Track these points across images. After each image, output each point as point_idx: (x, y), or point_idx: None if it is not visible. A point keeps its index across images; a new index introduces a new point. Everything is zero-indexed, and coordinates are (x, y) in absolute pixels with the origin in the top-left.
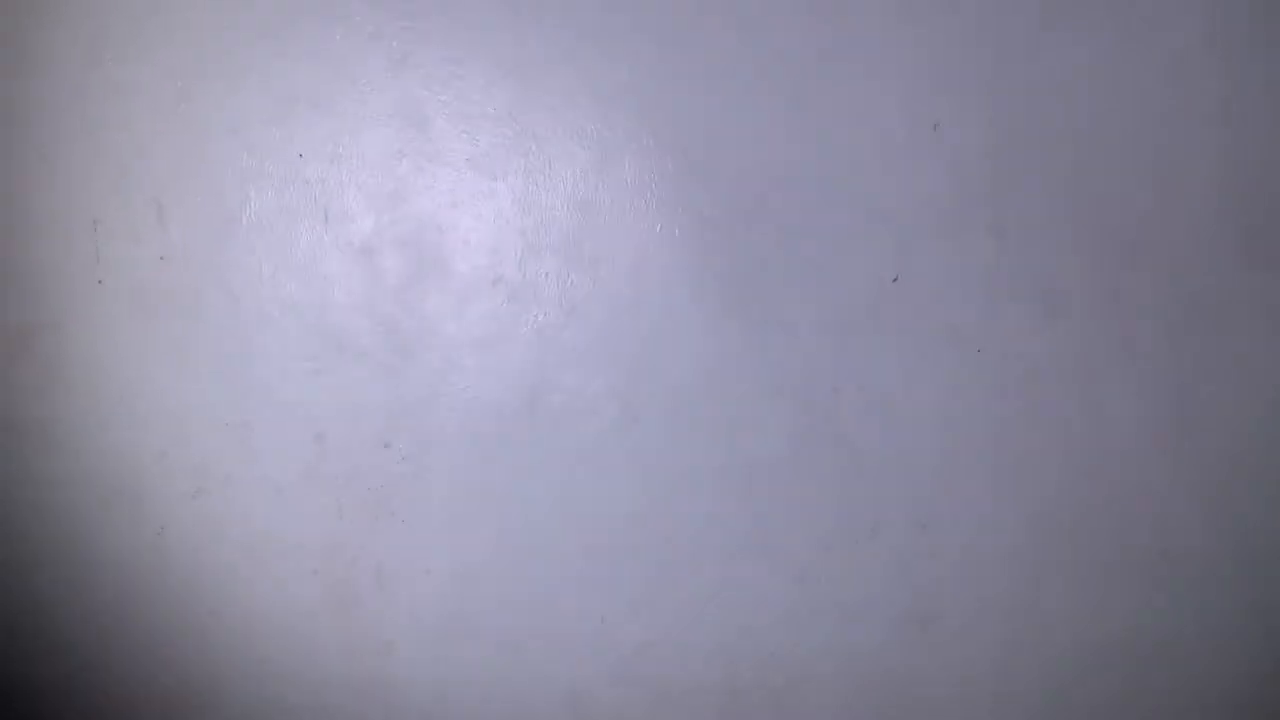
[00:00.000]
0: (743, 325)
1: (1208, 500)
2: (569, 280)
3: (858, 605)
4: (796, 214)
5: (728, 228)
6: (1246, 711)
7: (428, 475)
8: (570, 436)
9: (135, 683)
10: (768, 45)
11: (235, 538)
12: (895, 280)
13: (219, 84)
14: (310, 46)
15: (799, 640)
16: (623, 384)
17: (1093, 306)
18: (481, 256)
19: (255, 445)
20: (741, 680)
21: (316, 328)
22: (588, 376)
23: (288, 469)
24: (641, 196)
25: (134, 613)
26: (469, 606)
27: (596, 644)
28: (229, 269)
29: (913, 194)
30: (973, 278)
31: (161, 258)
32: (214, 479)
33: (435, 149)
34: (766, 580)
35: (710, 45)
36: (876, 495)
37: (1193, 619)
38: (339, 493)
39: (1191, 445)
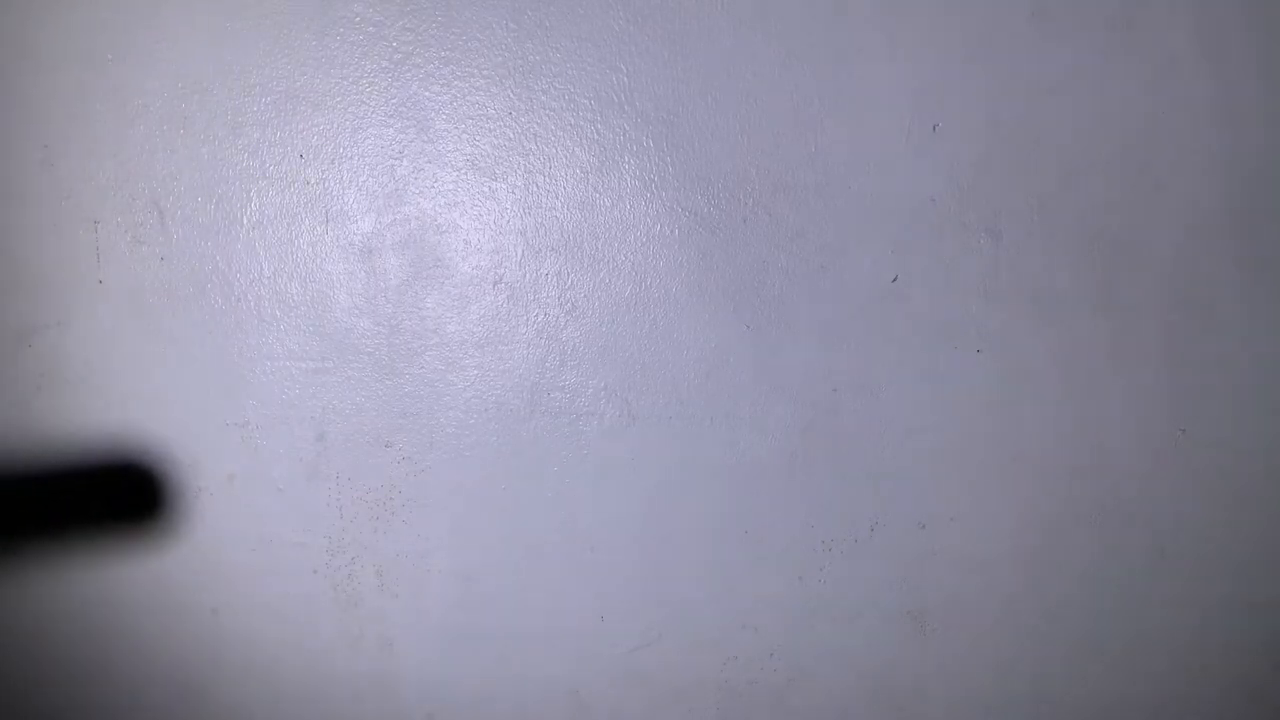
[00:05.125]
0: (742, 325)
1: (1204, 499)
2: (569, 280)
3: (857, 604)
4: (796, 214)
5: (727, 228)
6: (1245, 710)
7: (428, 475)
8: (570, 436)
9: (135, 683)
10: (767, 46)
11: (236, 537)
12: (895, 280)
13: (220, 84)
14: (311, 47)
15: (798, 639)
16: (623, 384)
17: (1090, 306)
18: (482, 257)
19: (256, 445)
20: (741, 679)
21: (317, 328)
22: (587, 376)
23: (289, 469)
24: (641, 197)
25: (134, 612)
26: (469, 606)
27: (596, 643)
28: (230, 269)
29: (912, 194)
30: (972, 278)
31: (162, 258)
32: (215, 479)
33: (436, 150)
34: (766, 579)
35: (710, 47)
36: (875, 495)
37: (1190, 617)
38: (339, 493)
39: (1188, 444)
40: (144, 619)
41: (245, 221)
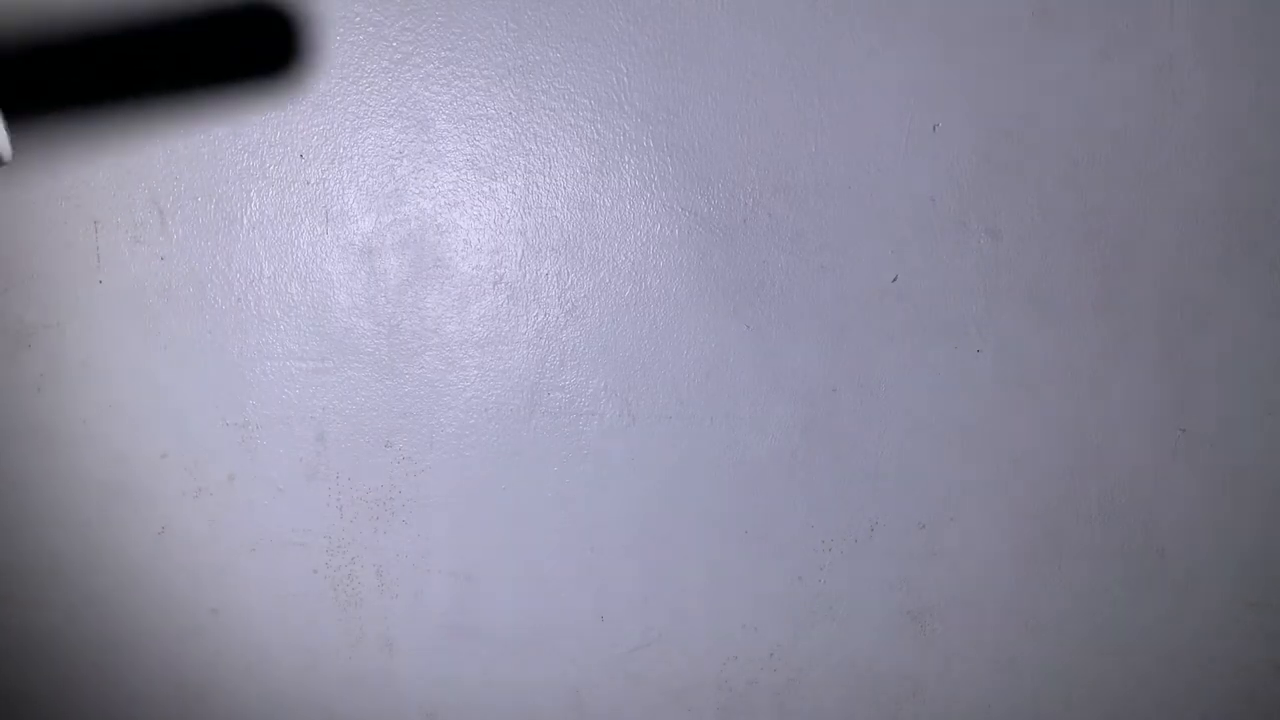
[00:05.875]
0: (742, 325)
1: (1204, 498)
2: (569, 280)
3: (856, 603)
4: (796, 215)
5: (727, 228)
6: (1244, 710)
7: (428, 475)
8: (570, 436)
9: (135, 683)
10: (767, 46)
11: (236, 537)
12: (895, 280)
13: (220, 85)
14: (310, 47)
15: (798, 638)
16: (623, 384)
17: (1089, 306)
18: (482, 257)
19: (256, 445)
20: (741, 679)
21: (318, 328)
22: (588, 376)
23: (288, 469)
24: (641, 197)
25: (134, 613)
26: (469, 606)
27: (596, 643)
28: (230, 269)
29: (912, 194)
30: (971, 278)
31: (162, 258)
32: (215, 479)
33: (436, 150)
34: (766, 579)
35: (710, 47)
36: (875, 494)
37: (1190, 617)
38: (339, 493)
39: (1188, 444)
40: (143, 619)
41: (245, 221)
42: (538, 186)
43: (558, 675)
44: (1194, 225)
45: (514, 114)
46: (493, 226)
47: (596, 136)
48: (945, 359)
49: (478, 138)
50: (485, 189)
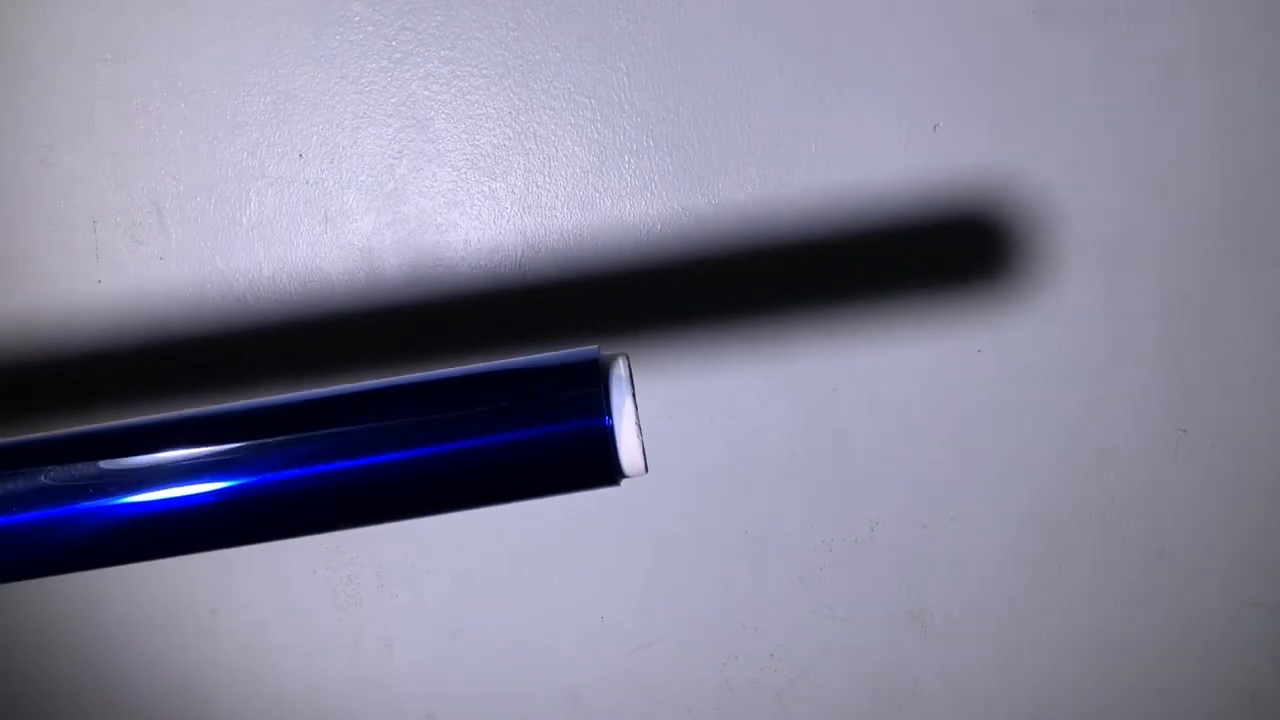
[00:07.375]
0: (742, 325)
1: (1204, 499)
2: (569, 280)
3: (857, 604)
4: (796, 214)
5: (727, 229)
6: (1245, 710)
7: None
8: None
9: (135, 682)
10: (767, 46)
11: None
12: (895, 280)
13: (219, 84)
14: (310, 46)
15: (798, 639)
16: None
17: (1090, 306)
18: (482, 257)
19: None
20: (741, 679)
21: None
22: None
23: None
24: (642, 197)
25: (134, 613)
26: (469, 606)
27: (596, 643)
28: (229, 269)
29: (912, 194)
30: (971, 277)
31: (161, 258)
32: None
33: (435, 149)
34: (766, 579)
35: (710, 46)
36: (875, 494)
37: (1190, 617)
38: None
39: (1188, 443)
40: (143, 619)
41: (245, 221)
42: (538, 186)
43: (557, 675)
44: (1194, 225)
45: (514, 114)
46: (493, 226)
47: (597, 136)
48: (945, 359)
49: (477, 137)
50: (485, 189)
